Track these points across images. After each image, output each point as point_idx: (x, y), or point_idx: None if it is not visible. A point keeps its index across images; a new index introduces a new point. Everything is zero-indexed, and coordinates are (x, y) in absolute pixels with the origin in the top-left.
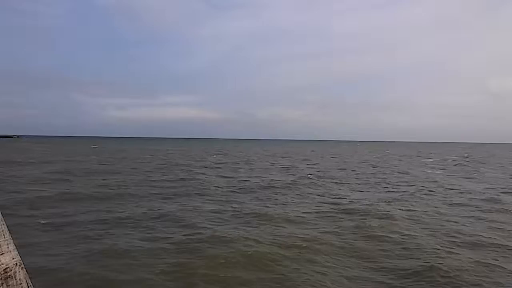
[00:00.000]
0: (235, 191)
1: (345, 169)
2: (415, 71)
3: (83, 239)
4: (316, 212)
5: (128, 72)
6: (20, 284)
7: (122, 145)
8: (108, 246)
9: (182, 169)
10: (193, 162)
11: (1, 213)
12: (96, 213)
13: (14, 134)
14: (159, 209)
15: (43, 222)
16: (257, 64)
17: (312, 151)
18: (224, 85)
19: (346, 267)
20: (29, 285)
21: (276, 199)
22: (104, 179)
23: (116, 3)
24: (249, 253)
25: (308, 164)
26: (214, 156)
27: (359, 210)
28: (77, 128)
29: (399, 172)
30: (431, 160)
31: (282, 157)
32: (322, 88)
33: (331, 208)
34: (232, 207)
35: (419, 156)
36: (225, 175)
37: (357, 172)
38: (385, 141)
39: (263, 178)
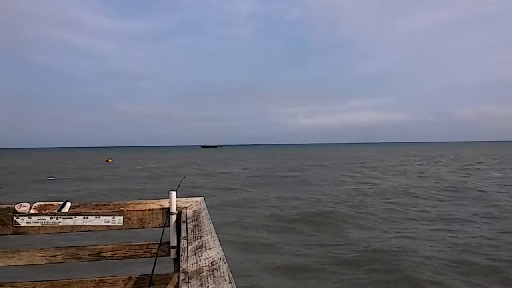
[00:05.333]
0: None
1: None
2: None
3: None
4: None
5: (314, 80)
6: (223, 276)
7: (337, 151)
8: None
9: None
10: None
11: (209, 213)
12: None
13: (217, 144)
14: None
15: None
16: (451, 58)
17: None
18: (414, 84)
19: None
20: (230, 278)
21: None
22: None
23: (300, 15)
24: None
25: None
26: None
27: None
28: (268, 136)
29: None
30: None
31: None
32: None
33: None
34: None
35: None
36: None
37: None
38: None
39: None
